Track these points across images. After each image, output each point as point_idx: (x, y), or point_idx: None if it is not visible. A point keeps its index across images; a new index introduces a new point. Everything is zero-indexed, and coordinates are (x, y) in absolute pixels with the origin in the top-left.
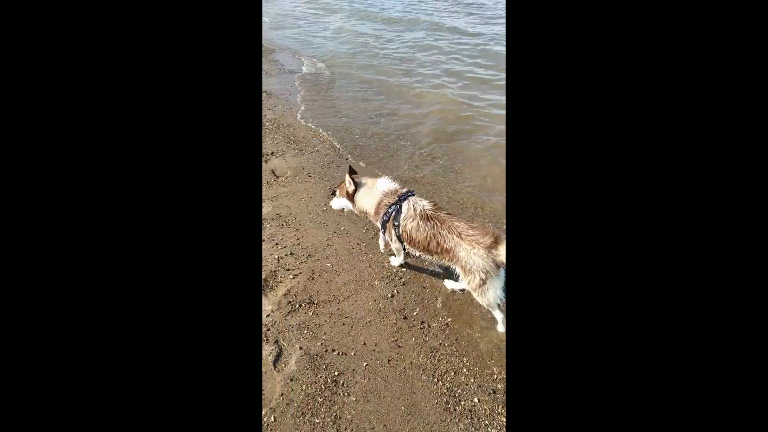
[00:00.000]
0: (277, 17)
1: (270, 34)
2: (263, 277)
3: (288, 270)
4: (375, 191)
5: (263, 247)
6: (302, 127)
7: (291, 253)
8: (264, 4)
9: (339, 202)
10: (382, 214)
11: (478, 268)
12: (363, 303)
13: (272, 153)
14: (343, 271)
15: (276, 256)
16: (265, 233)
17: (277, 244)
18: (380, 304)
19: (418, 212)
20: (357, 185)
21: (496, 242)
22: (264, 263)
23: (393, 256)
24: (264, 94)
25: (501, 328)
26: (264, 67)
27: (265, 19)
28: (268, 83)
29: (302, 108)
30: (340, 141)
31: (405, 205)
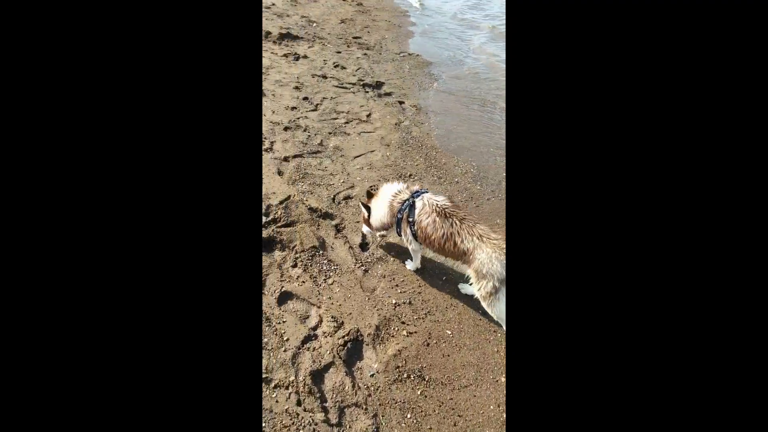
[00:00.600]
0: (430, 28)
1: (425, 47)
2: (376, 323)
3: (403, 323)
4: (383, 199)
5: (381, 284)
6: (446, 153)
7: (410, 303)
8: (416, 17)
9: (366, 229)
10: (396, 212)
11: (495, 274)
12: (482, 404)
13: (410, 175)
14: (464, 348)
15: (393, 301)
16: (387, 267)
17: (397, 285)
18: (504, 416)
19: (434, 208)
20: (368, 208)
21: None
22: (380, 306)
23: (408, 261)
24: (414, 108)
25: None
26: (419, 79)
27: (414, 28)
28: (421, 97)
29: (451, 131)
30: (483, 178)
31: (419, 202)
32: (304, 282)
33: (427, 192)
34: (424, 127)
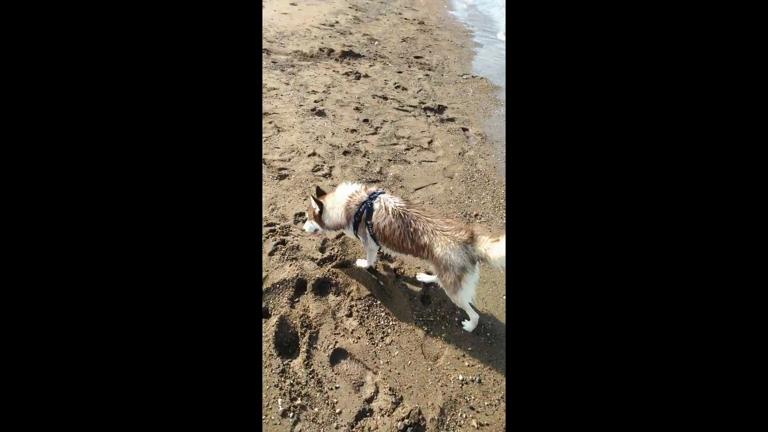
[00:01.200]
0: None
1: (491, 70)
2: (440, 405)
3: (472, 409)
4: (340, 199)
5: (446, 351)
6: None
7: (480, 381)
8: (480, 37)
9: (311, 225)
10: (352, 215)
11: (453, 264)
12: None
13: (475, 215)
14: None
15: (460, 377)
16: (453, 332)
17: (464, 356)
18: None
19: (390, 210)
20: (321, 204)
21: (472, 237)
22: (444, 381)
23: (361, 260)
24: (479, 137)
25: (469, 326)
26: (484, 105)
27: (478, 49)
28: (486, 124)
29: None
30: None
31: (376, 204)
32: (359, 338)
33: (383, 193)
34: (490, 159)
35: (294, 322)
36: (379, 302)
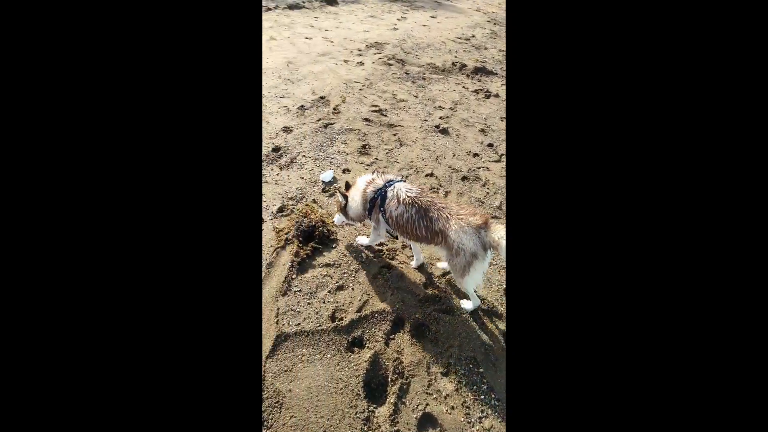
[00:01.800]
0: None
1: None
2: None
3: None
4: (358, 189)
5: None
6: None
7: None
8: None
9: (339, 217)
10: (368, 200)
11: (465, 248)
12: None
13: None
14: None
15: None
16: None
17: None
18: None
19: (402, 198)
20: (346, 197)
21: (486, 224)
22: None
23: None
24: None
25: (468, 305)
26: None
27: None
28: None
29: None
30: None
31: (390, 192)
32: (453, 409)
33: (400, 182)
34: None
35: (386, 363)
36: (481, 370)
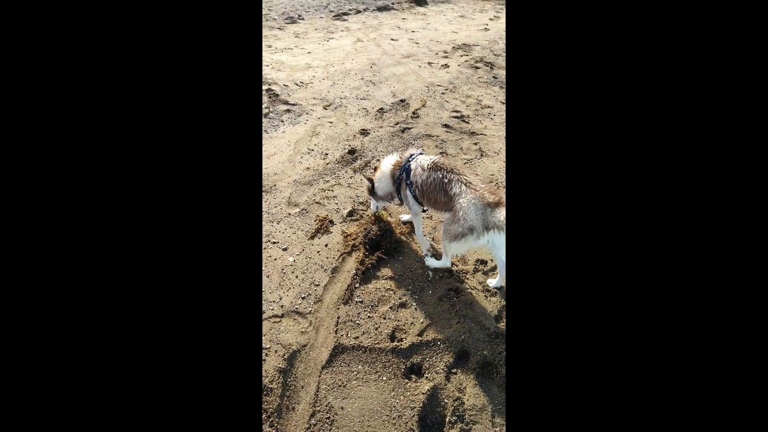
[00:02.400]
0: None
1: None
2: None
3: None
4: (385, 170)
5: None
6: None
7: None
8: None
9: (374, 204)
10: (396, 177)
11: (467, 219)
12: None
13: None
14: None
15: None
16: None
17: None
18: None
19: (426, 165)
20: (371, 180)
21: (497, 204)
22: None
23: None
24: None
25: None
26: None
27: None
28: None
29: None
30: None
31: (413, 164)
32: None
33: (421, 154)
34: None
35: (446, 400)
36: None
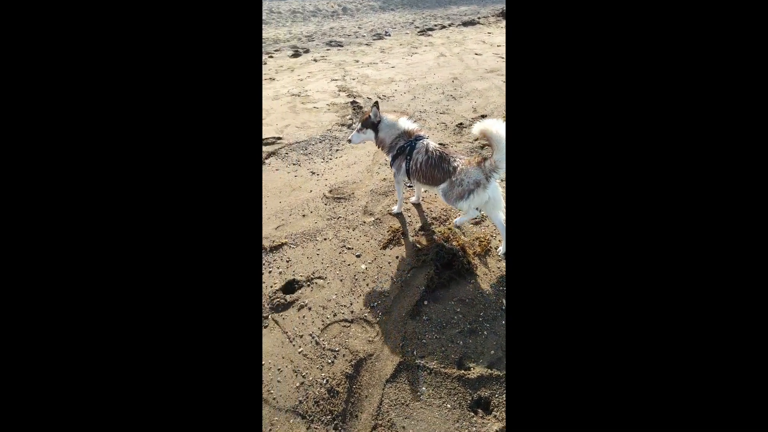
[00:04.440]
0: None
1: None
2: None
3: None
4: (401, 126)
5: None
6: None
7: None
8: None
9: (361, 136)
10: (396, 148)
11: (469, 179)
12: None
13: None
14: None
15: None
16: None
17: None
18: None
19: (430, 149)
20: (381, 118)
21: (484, 159)
22: None
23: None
24: None
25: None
26: None
27: None
28: None
29: None
30: None
31: (419, 144)
32: None
33: (426, 138)
34: None
35: None
36: None
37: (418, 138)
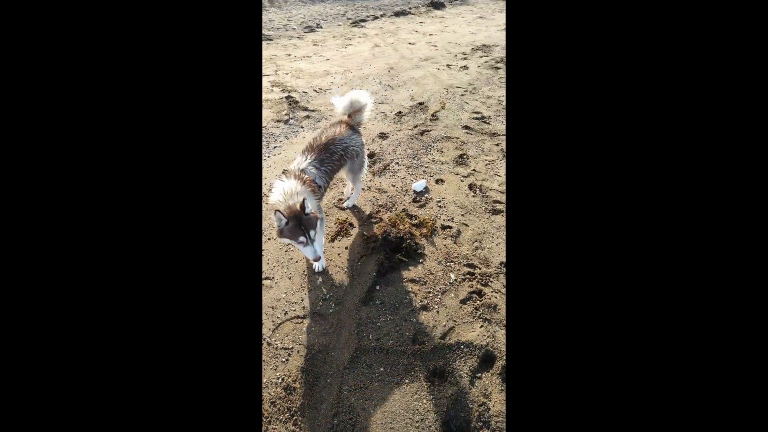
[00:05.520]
0: None
1: None
2: None
3: None
4: (302, 191)
5: None
6: None
7: None
8: None
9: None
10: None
11: (361, 148)
12: None
13: None
14: None
15: None
16: None
17: None
18: None
19: (306, 169)
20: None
21: (349, 125)
22: None
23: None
24: None
25: (350, 202)
26: None
27: None
28: None
29: None
30: None
31: (305, 176)
32: None
33: (284, 179)
34: None
35: (470, 405)
36: None
37: (303, 173)
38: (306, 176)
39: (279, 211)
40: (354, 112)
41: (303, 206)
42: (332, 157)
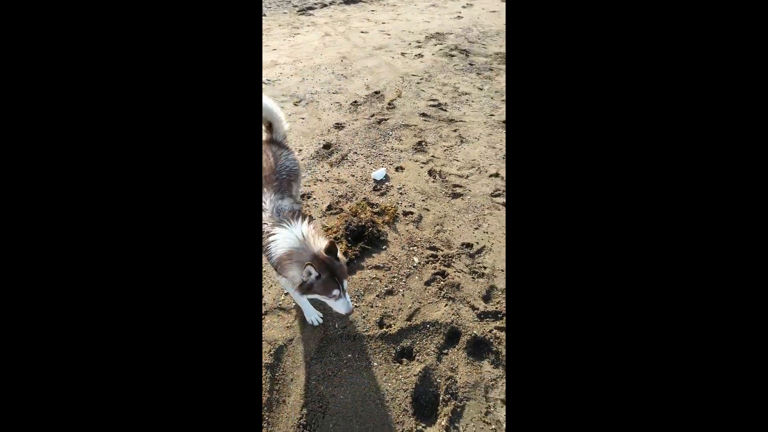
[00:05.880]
0: None
1: None
2: None
3: None
4: (294, 259)
5: None
6: None
7: None
8: None
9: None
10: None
11: (293, 161)
12: None
13: None
14: None
15: None
16: None
17: None
18: None
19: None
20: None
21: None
22: None
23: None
24: None
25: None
26: None
27: None
28: None
29: None
30: None
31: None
32: None
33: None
34: None
35: (438, 380)
36: None
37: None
38: (294, 212)
39: (311, 264)
40: (269, 122)
41: (332, 249)
42: (282, 184)
